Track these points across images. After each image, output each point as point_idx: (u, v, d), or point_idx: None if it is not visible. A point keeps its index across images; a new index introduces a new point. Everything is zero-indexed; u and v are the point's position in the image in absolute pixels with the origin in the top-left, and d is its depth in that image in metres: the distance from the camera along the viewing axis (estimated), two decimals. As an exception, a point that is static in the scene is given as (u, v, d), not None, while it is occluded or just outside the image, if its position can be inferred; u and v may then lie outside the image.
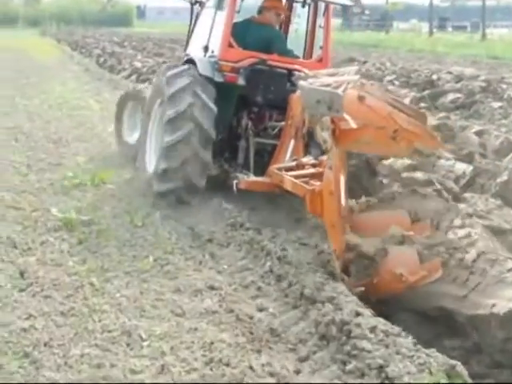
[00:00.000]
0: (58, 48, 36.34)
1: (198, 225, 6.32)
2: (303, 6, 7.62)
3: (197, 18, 7.83)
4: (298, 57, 7.40)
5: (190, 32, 7.88)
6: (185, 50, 8.03)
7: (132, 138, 8.77)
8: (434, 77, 18.33)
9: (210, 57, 7.03)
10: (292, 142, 6.43)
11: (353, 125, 4.79)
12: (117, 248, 5.65)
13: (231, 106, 7.11)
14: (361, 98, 4.62)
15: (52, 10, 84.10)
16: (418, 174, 7.77)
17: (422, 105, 13.02)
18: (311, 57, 7.44)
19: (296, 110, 6.15)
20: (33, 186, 7.53)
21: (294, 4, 7.97)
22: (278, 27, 7.70)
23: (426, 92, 14.31)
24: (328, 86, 5.01)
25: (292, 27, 8.13)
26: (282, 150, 6.54)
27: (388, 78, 18.27)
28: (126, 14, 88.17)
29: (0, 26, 73.18)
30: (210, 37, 7.15)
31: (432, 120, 10.22)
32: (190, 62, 7.11)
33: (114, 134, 9.37)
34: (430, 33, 51.55)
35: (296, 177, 5.71)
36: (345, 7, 7.83)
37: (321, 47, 7.27)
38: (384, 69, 21.75)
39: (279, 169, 6.15)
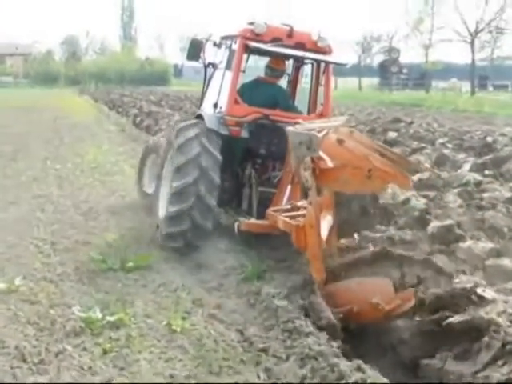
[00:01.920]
0: (95, 107, 36.15)
1: (248, 327, 5.19)
2: (300, 66, 8.51)
3: (210, 78, 8.38)
4: (301, 112, 7.96)
5: (204, 91, 8.46)
6: (199, 107, 8.59)
7: (151, 189, 8.91)
8: (489, 139, 17.20)
9: (218, 112, 7.59)
10: (289, 188, 6.93)
11: (330, 164, 5.19)
12: (149, 363, 4.53)
13: (236, 157, 7.73)
14: (340, 141, 5.20)
15: (91, 70, 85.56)
16: (505, 261, 6.59)
17: (487, 172, 11.82)
18: (315, 112, 7.90)
19: (291, 158, 6.23)
20: (54, 270, 6.51)
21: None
22: (283, 85, 8.39)
23: (488, 158, 13.08)
24: (311, 130, 5.48)
25: (299, 86, 8.70)
26: (280, 195, 7.11)
27: (440, 140, 17.12)
28: (164, 72, 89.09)
29: (41, 84, 75.00)
30: (219, 95, 7.69)
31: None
32: (199, 117, 7.68)
33: (136, 186, 9.83)
34: (472, 92, 50.55)
35: (289, 217, 6.06)
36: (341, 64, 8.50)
37: (321, 104, 7.87)
38: (433, 130, 20.68)
39: (275, 211, 6.60)
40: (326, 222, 5.94)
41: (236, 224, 7.06)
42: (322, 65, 7.95)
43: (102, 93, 52.04)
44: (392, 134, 17.47)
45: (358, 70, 77.82)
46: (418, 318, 4.93)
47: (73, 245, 7.50)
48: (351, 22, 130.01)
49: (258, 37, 7.47)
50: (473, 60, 52.81)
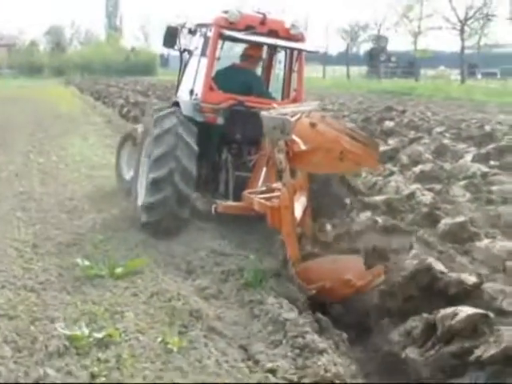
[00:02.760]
0: (81, 98, 35.36)
1: (253, 343, 4.64)
2: (274, 53, 8.63)
3: (186, 64, 8.51)
4: (274, 98, 8.15)
5: (180, 77, 8.59)
6: (175, 93, 8.68)
7: (129, 174, 9.14)
8: (487, 128, 16.72)
9: (194, 99, 7.77)
10: (264, 170, 7.14)
11: (303, 147, 5.33)
12: (143, 389, 3.97)
13: (213, 143, 7.89)
14: (312, 125, 5.38)
15: (76, 60, 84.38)
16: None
17: (492, 163, 11.32)
18: (288, 98, 8.11)
19: (266, 142, 6.47)
20: (36, 278, 5.91)
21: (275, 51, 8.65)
22: (258, 72, 8.57)
23: (490, 147, 12.56)
24: (285, 114, 5.61)
25: (273, 72, 8.82)
26: (256, 178, 7.32)
27: (437, 129, 16.59)
28: (150, 62, 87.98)
29: (26, 75, 73.81)
30: (194, 81, 7.87)
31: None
32: (176, 104, 7.86)
33: (115, 172, 9.94)
34: (462, 80, 50.07)
35: (264, 199, 6.22)
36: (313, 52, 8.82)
37: (294, 90, 8.10)
38: (427, 119, 20.17)
39: (251, 193, 6.78)
40: (300, 203, 6.26)
41: (213, 206, 7.33)
42: (295, 52, 8.16)
43: (87, 83, 51.04)
44: (388, 124, 16.92)
45: (346, 59, 77.30)
46: (432, 351, 4.28)
47: (56, 248, 6.90)
48: (339, 10, 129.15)
49: (231, 25, 7.64)
50: (462, 48, 52.33)
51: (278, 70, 8.71)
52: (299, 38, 7.94)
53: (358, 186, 9.16)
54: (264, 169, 7.15)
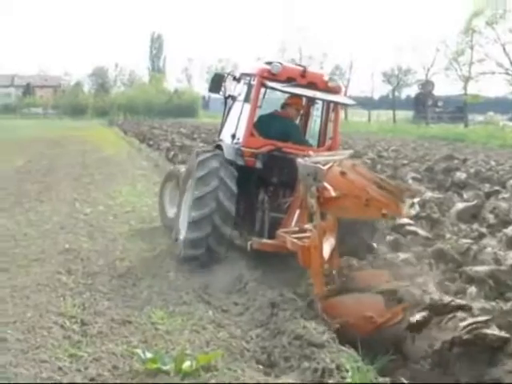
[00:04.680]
0: (125, 140, 34.85)
1: None
2: (312, 103, 9.14)
3: (229, 109, 9.04)
4: (311, 145, 8.62)
5: (224, 121, 9.14)
6: (218, 136, 9.26)
7: (172, 212, 9.48)
8: None
9: (235, 143, 8.26)
10: (297, 212, 7.36)
11: (333, 193, 5.85)
12: None
13: (251, 185, 8.30)
14: (342, 173, 5.88)
15: (120, 101, 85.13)
16: None
17: None
18: (324, 145, 8.55)
19: (300, 186, 6.84)
20: (86, 371, 4.81)
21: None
22: (297, 120, 9.01)
23: None
24: (318, 163, 6.16)
25: (311, 121, 9.33)
26: (290, 218, 7.55)
27: (511, 182, 15.24)
28: (192, 104, 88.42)
29: (70, 115, 74.60)
30: (237, 126, 8.36)
31: None
32: (219, 147, 8.40)
33: (158, 209, 10.46)
34: (516, 126, 48.47)
35: (296, 238, 6.54)
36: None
37: (330, 138, 8.56)
38: (494, 169, 18.86)
39: (285, 232, 7.10)
40: (329, 244, 6.53)
41: (249, 243, 7.64)
42: (332, 103, 8.61)
43: (130, 124, 51.01)
44: (460, 175, 15.65)
45: (389, 103, 76.32)
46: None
47: (108, 327, 5.77)
48: (383, 53, 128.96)
49: (274, 76, 8.12)
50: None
51: (316, 118, 9.19)
52: (336, 90, 8.43)
53: (450, 253, 7.98)
54: (297, 211, 7.40)
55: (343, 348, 5.20)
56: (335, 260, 6.71)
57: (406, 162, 20.62)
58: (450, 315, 5.44)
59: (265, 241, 7.66)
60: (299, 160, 6.40)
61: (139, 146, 29.61)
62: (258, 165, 8.11)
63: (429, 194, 12.58)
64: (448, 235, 9.34)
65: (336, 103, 8.54)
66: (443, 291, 6.45)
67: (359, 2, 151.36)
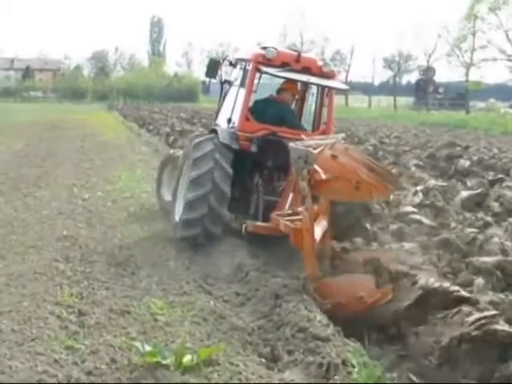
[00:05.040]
0: (125, 124, 34.58)
1: None
2: (306, 88, 9.27)
3: (225, 94, 9.15)
4: (305, 129, 8.65)
5: (220, 106, 9.25)
6: (214, 120, 9.41)
7: (169, 195, 9.47)
8: None
9: (231, 128, 8.35)
10: (291, 195, 7.46)
11: (323, 176, 5.94)
12: None
13: (246, 169, 8.37)
14: (333, 157, 6.06)
15: (119, 85, 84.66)
16: None
17: None
18: (318, 130, 8.64)
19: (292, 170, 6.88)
20: (83, 364, 4.65)
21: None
22: (292, 105, 9.11)
23: None
24: (309, 146, 6.23)
25: (306, 105, 9.40)
26: (284, 201, 7.64)
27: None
28: (192, 89, 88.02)
29: (69, 99, 74.22)
30: (232, 111, 8.46)
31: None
32: (214, 131, 8.49)
33: (155, 193, 10.49)
34: (517, 113, 48.16)
35: (289, 221, 6.61)
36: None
37: (324, 123, 8.64)
38: (497, 156, 18.68)
39: (278, 215, 7.17)
40: (321, 226, 6.75)
41: (244, 226, 7.70)
42: (326, 88, 8.63)
43: (130, 109, 50.69)
44: (464, 163, 15.46)
45: (389, 89, 75.95)
46: None
47: (107, 317, 5.61)
48: (385, 39, 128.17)
49: (269, 61, 8.18)
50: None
51: (311, 103, 9.23)
52: (330, 75, 8.45)
53: (456, 243, 7.83)
54: (291, 194, 7.48)
55: (349, 342, 5.05)
56: (327, 242, 6.87)
57: (407, 148, 20.45)
58: (456, 309, 5.27)
59: (259, 224, 7.72)
60: (291, 144, 6.48)
61: (139, 130, 29.36)
62: (253, 149, 8.18)
63: (432, 182, 12.41)
64: (453, 224, 9.17)
65: (330, 88, 8.55)
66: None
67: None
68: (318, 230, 6.55)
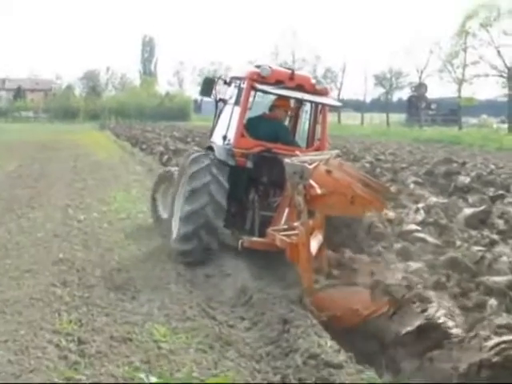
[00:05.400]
0: (117, 143, 34.37)
1: None
2: (300, 105, 9.29)
3: (220, 112, 9.25)
4: (299, 146, 8.73)
5: (215, 123, 9.32)
6: (209, 138, 9.45)
7: (165, 214, 9.51)
8: None
9: (226, 144, 8.44)
10: (287, 210, 7.48)
11: (319, 191, 6.04)
12: None
13: (241, 184, 8.43)
14: (328, 172, 6.16)
15: (111, 105, 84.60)
16: None
17: None
18: (312, 146, 8.73)
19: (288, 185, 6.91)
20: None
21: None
22: (286, 122, 9.21)
23: None
24: (304, 162, 6.41)
25: (300, 122, 9.44)
26: (279, 216, 7.69)
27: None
28: (184, 107, 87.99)
29: (61, 119, 74.02)
30: (228, 128, 8.51)
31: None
32: (210, 148, 8.68)
33: (150, 210, 10.57)
34: (510, 129, 48.17)
35: (285, 236, 6.65)
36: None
37: (318, 139, 8.76)
38: (496, 172, 18.55)
39: (274, 230, 7.24)
40: (317, 240, 6.80)
41: (240, 241, 7.74)
42: (319, 105, 8.77)
43: (122, 128, 50.50)
44: (464, 179, 15.31)
45: (380, 106, 76.17)
46: None
47: (107, 345, 5.37)
48: (376, 56, 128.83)
49: (263, 79, 8.28)
50: (510, 96, 50.58)
51: (305, 120, 9.27)
52: (324, 93, 8.59)
53: (464, 262, 7.63)
54: (286, 209, 7.52)
55: (362, 368, 4.83)
56: (323, 256, 6.92)
57: (404, 165, 20.28)
58: (472, 333, 5.05)
59: (255, 239, 7.80)
60: (286, 160, 6.60)
61: (132, 150, 29.13)
62: (249, 165, 8.28)
63: (433, 199, 12.22)
64: (458, 242, 8.95)
65: (323, 105, 8.70)
66: (460, 305, 6.10)
67: (352, 5, 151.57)
68: (314, 243, 6.63)
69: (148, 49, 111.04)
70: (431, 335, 5.31)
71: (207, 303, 6.61)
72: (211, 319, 6.12)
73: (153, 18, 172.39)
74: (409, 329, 5.37)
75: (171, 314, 6.23)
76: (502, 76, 49.79)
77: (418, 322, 5.40)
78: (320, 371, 4.77)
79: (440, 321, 5.37)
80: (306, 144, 8.98)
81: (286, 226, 7.24)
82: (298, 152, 7.69)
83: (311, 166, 6.23)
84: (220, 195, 7.85)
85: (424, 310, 5.54)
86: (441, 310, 5.55)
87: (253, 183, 8.52)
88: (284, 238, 6.66)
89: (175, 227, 8.25)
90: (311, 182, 6.08)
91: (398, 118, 70.53)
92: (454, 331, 5.30)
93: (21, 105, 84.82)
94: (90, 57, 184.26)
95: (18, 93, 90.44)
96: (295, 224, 6.71)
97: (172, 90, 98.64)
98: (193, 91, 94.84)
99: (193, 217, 7.74)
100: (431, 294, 5.92)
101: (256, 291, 6.77)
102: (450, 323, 5.40)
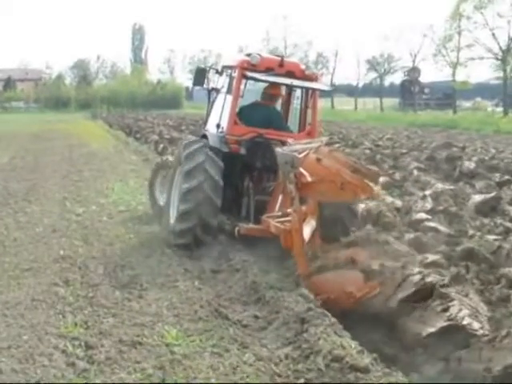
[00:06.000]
0: (111, 133, 33.90)
1: None
2: (291, 91, 9.53)
3: (213, 101, 9.44)
4: (291, 131, 8.99)
5: (208, 112, 9.54)
6: (204, 126, 9.66)
7: (163, 200, 9.75)
8: None
9: (220, 132, 8.64)
10: (280, 196, 7.72)
11: (309, 179, 6.31)
12: None
13: (236, 170, 8.65)
14: (318, 160, 6.36)
15: (102, 93, 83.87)
16: None
17: None
18: (304, 131, 8.92)
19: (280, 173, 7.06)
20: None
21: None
22: (277, 107, 9.39)
23: None
24: (295, 151, 6.61)
25: (291, 108, 9.65)
26: (273, 203, 8.01)
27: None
28: (176, 95, 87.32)
29: (52, 109, 73.31)
30: (221, 116, 8.71)
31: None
32: (204, 136, 8.92)
33: (149, 198, 10.72)
34: (505, 112, 47.89)
35: (279, 223, 7.05)
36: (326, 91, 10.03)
37: (309, 124, 8.96)
38: (498, 157, 18.30)
39: (269, 217, 7.57)
40: (310, 226, 6.98)
41: (236, 229, 8.01)
42: (310, 90, 8.98)
43: (115, 117, 50.00)
44: (469, 165, 15.03)
45: (371, 90, 75.83)
46: None
47: (117, 349, 5.07)
48: (369, 40, 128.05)
49: (253, 67, 8.50)
50: (505, 78, 50.26)
51: (296, 105, 9.49)
52: (313, 78, 8.77)
53: (481, 252, 7.36)
54: (280, 196, 7.76)
55: (389, 371, 4.56)
56: (316, 241, 7.07)
57: (404, 151, 20.03)
58: (504, 331, 4.77)
59: (251, 226, 8.05)
60: (277, 149, 6.87)
61: (126, 139, 28.73)
62: (242, 151, 8.49)
63: (439, 186, 11.96)
64: (471, 231, 8.70)
65: (313, 89, 8.89)
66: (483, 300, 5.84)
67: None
68: (307, 229, 6.82)
69: (138, 37, 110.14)
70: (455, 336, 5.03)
71: (217, 301, 6.30)
72: (224, 319, 5.81)
73: (142, 5, 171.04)
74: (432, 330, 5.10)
75: (181, 314, 5.92)
76: (497, 58, 49.46)
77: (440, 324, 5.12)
78: (346, 375, 4.49)
79: (464, 322, 5.09)
80: (297, 129, 9.14)
81: (280, 213, 7.51)
82: (289, 139, 7.88)
83: (301, 155, 6.45)
84: (214, 193, 7.99)
85: (445, 310, 5.26)
86: (464, 310, 5.26)
87: (247, 169, 8.70)
88: (278, 224, 6.96)
89: (172, 216, 8.39)
90: (302, 170, 6.30)
91: (391, 102, 70.20)
92: (481, 331, 5.02)
93: (11, 95, 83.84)
94: (80, 46, 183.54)
95: (8, 83, 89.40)
96: (289, 210, 6.92)
97: (163, 77, 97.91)
98: (184, 78, 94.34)
99: (188, 215, 7.91)
100: (450, 289, 5.64)
101: (267, 287, 6.47)
102: (476, 323, 5.12)
